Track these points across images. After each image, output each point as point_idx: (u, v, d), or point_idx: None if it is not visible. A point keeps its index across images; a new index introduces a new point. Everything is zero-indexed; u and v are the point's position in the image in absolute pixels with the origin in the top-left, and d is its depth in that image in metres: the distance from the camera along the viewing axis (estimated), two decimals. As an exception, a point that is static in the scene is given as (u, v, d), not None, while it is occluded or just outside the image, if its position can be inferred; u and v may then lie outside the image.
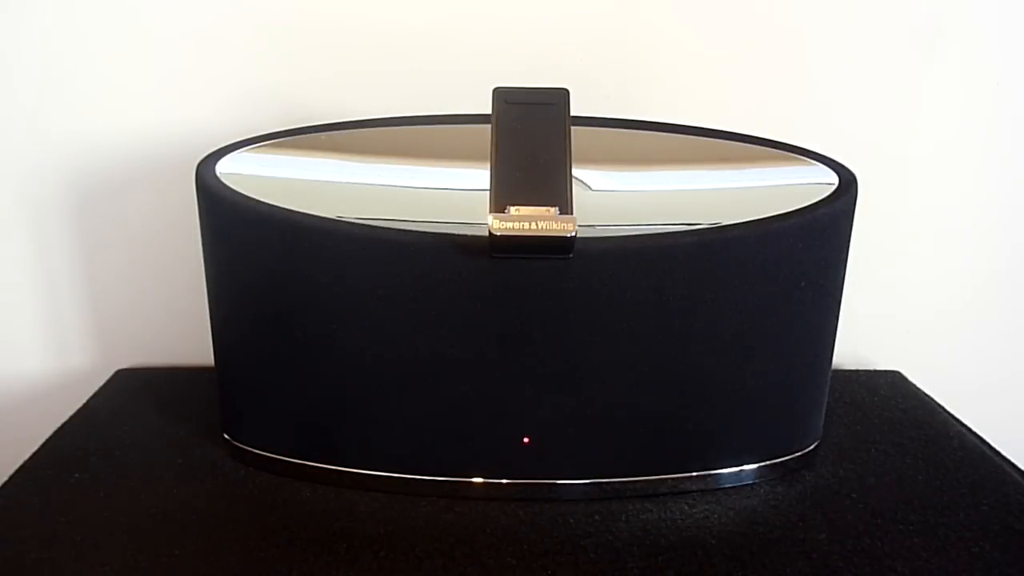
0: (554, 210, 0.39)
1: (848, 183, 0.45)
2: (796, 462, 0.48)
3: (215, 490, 0.46)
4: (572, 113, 0.43)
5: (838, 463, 0.49)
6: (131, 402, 0.57)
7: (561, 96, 0.44)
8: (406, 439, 0.44)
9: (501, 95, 0.44)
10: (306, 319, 0.43)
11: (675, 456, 0.45)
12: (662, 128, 0.48)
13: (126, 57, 0.58)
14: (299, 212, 0.41)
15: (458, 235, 0.40)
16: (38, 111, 0.59)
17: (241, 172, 0.45)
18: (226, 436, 0.49)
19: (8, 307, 0.64)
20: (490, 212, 0.39)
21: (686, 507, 0.45)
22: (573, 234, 0.38)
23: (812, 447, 0.49)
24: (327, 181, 0.46)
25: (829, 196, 0.44)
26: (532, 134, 0.42)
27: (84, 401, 0.57)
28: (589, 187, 0.45)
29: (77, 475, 0.47)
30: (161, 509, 0.44)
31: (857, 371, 0.64)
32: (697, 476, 0.46)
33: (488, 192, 0.40)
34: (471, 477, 0.45)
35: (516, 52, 0.59)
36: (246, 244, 0.43)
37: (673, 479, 0.46)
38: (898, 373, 0.64)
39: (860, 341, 0.66)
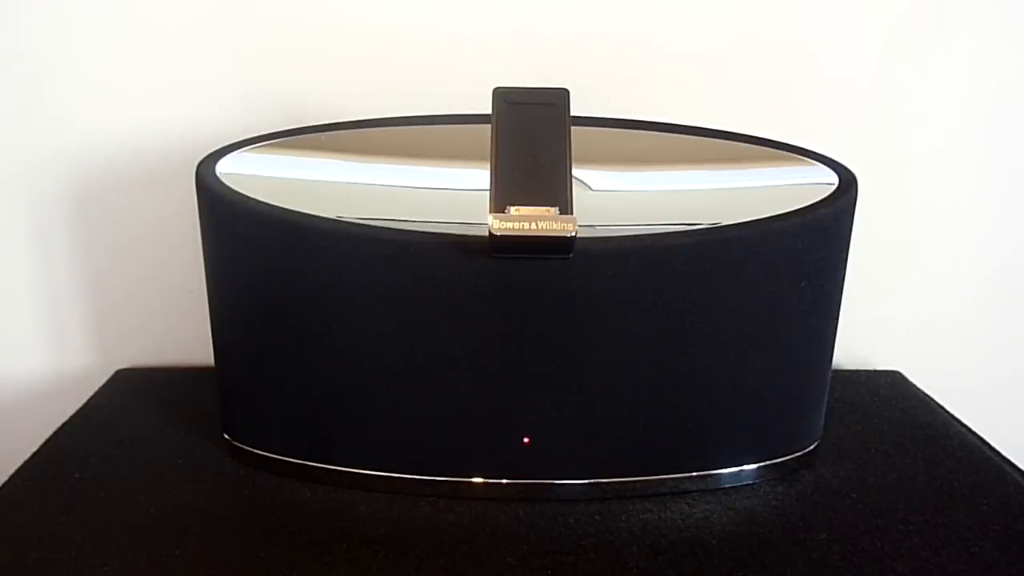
0: (554, 210, 0.39)
1: (848, 183, 0.45)
2: (796, 462, 0.48)
3: (215, 490, 0.46)
4: (572, 113, 0.43)
5: (838, 463, 0.49)
6: (131, 402, 0.57)
7: (561, 96, 0.44)
8: (406, 439, 0.44)
9: (501, 95, 0.44)
10: (306, 319, 0.43)
11: (675, 456, 0.45)
12: (662, 128, 0.48)
13: (126, 57, 0.58)
14: (299, 212, 0.41)
15: (458, 235, 0.40)
16: (38, 111, 0.59)
17: (241, 172, 0.45)
18: (226, 436, 0.49)
19: (8, 307, 0.64)
20: (490, 212, 0.39)
21: (686, 507, 0.45)
22: (573, 234, 0.38)
23: (812, 447, 0.49)
24: (327, 181, 0.46)
25: (829, 196, 0.44)
26: (532, 134, 0.42)
27: (84, 401, 0.57)
28: (589, 187, 0.45)
29: (77, 475, 0.47)
30: (161, 509, 0.44)
31: (857, 371, 0.64)
32: (697, 476, 0.46)
33: (488, 192, 0.40)
34: (471, 477, 0.45)
35: (516, 52, 0.59)
36: (246, 244, 0.43)
37: (673, 479, 0.46)
38: (898, 373, 0.64)
39: (860, 341, 0.66)
